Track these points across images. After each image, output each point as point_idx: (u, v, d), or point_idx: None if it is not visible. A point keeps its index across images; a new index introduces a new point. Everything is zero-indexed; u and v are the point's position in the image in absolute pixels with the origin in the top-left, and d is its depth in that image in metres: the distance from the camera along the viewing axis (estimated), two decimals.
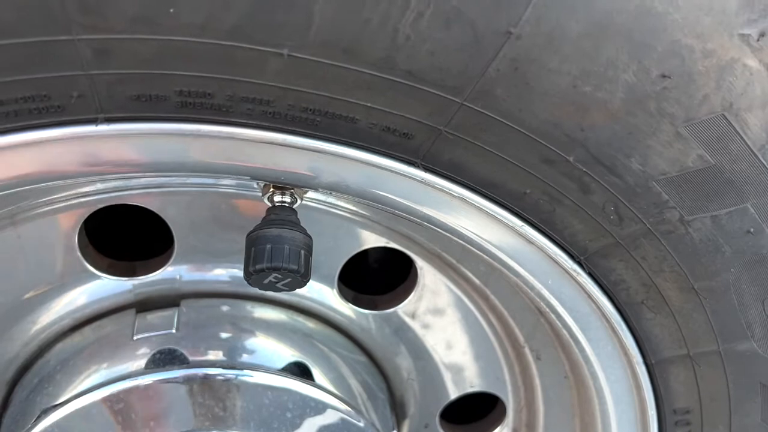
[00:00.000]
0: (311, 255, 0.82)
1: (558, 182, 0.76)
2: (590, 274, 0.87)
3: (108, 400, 0.97)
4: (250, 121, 0.68)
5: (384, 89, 0.66)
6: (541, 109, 0.69)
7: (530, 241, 0.84)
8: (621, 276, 0.87)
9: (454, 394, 1.22)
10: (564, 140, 0.71)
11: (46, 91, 0.62)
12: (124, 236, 1.07)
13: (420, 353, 1.18)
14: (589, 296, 0.91)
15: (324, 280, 1.07)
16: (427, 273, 1.07)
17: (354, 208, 0.97)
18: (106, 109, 0.64)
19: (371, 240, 1.03)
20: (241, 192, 0.93)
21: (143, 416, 0.98)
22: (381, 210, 0.86)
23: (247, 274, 0.80)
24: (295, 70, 0.63)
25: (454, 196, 0.79)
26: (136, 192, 0.91)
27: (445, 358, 1.18)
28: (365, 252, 1.07)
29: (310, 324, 1.14)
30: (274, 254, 0.78)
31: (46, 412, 0.98)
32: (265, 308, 1.10)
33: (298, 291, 1.09)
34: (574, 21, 0.63)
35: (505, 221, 0.81)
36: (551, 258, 0.86)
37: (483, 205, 0.79)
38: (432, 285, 1.08)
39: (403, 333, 1.15)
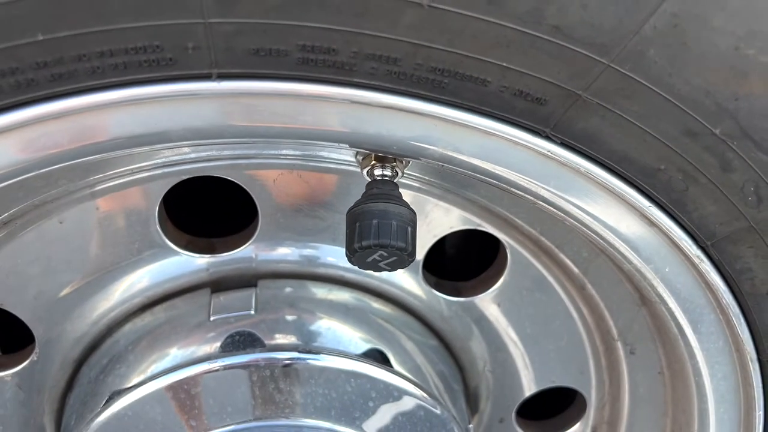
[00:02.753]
0: (416, 232, 0.77)
1: (697, 157, 0.69)
2: (713, 262, 0.81)
3: (184, 383, 0.92)
4: (372, 82, 0.62)
5: (525, 47, 0.59)
6: (694, 73, 0.62)
7: (654, 224, 0.77)
8: (748, 264, 0.80)
9: (533, 388, 1.15)
10: (713, 110, 0.65)
11: (159, 41, 0.57)
12: (200, 211, 1.02)
13: (500, 344, 1.12)
14: (709, 286, 0.84)
15: None
16: (518, 258, 1.00)
17: (448, 185, 0.91)
18: (221, 63, 0.59)
19: (462, 222, 0.97)
20: (332, 167, 0.88)
21: (220, 401, 0.93)
22: (487, 185, 0.80)
23: (351, 251, 0.74)
24: (431, 24, 0.57)
25: (579, 172, 0.72)
26: (223, 163, 0.86)
27: (527, 350, 1.12)
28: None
29: (388, 309, 1.08)
30: (381, 230, 0.73)
31: (118, 393, 0.94)
32: (344, 291, 1.04)
33: (382, 274, 1.06)
34: None
35: (632, 201, 0.74)
36: (674, 243, 0.79)
37: (610, 183, 0.73)
38: (522, 272, 1.02)
39: (484, 322, 1.09)
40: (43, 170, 0.66)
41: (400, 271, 1.06)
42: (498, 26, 0.58)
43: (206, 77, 0.59)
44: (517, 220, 0.93)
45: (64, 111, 0.61)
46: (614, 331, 1.05)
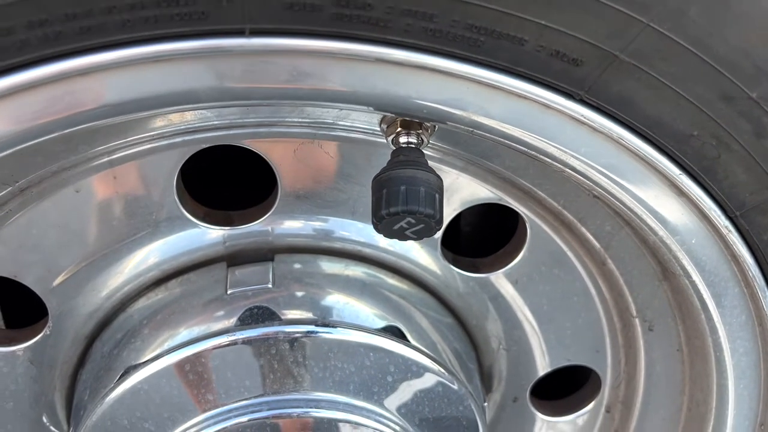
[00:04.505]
0: (443, 199, 0.76)
1: (732, 123, 0.68)
2: (741, 233, 0.80)
3: (200, 357, 0.90)
4: (407, 40, 0.61)
5: (564, 4, 0.58)
6: (734, 34, 0.61)
7: (683, 193, 0.76)
8: None
9: (547, 367, 1.14)
10: (751, 73, 0.64)
11: None
12: (217, 183, 1.01)
13: (516, 322, 1.11)
14: (735, 258, 0.83)
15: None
16: (538, 234, 0.99)
17: (470, 156, 0.90)
18: (254, 18, 0.57)
19: (481, 195, 0.96)
20: (354, 136, 0.87)
21: (237, 375, 0.92)
22: (513, 155, 0.79)
23: (378, 219, 0.73)
24: None
25: (610, 138, 0.71)
26: (244, 131, 0.84)
27: (543, 328, 1.11)
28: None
29: (405, 286, 1.07)
30: (409, 196, 0.71)
31: (134, 368, 0.93)
32: (361, 267, 1.03)
33: (399, 249, 1.05)
34: None
35: (662, 168, 0.73)
36: (702, 213, 0.78)
37: (641, 150, 0.72)
38: (541, 248, 1.01)
39: (501, 299, 1.08)
40: (67, 131, 0.65)
41: (417, 246, 1.06)
42: None
43: (239, 33, 0.58)
44: (540, 192, 0.92)
45: (91, 66, 0.59)
46: (633, 308, 1.05)
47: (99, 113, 0.64)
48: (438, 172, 0.90)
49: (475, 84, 0.67)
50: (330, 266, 1.02)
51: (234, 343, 0.90)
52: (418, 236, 0.76)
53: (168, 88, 0.62)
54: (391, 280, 1.06)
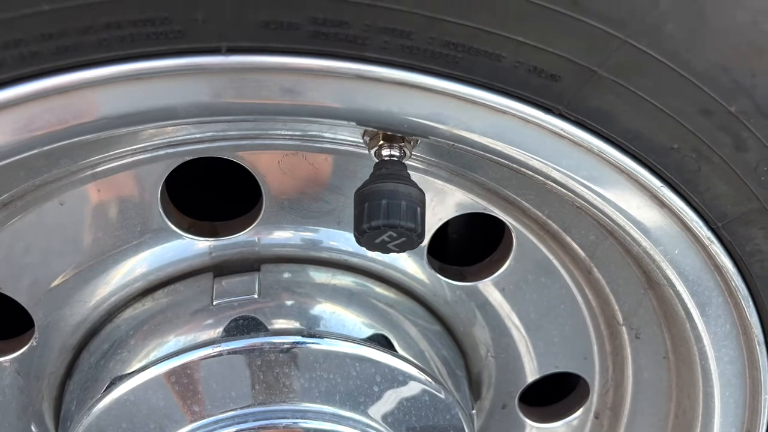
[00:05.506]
0: (425, 213, 0.76)
1: (711, 137, 0.68)
2: (723, 244, 0.80)
3: (187, 368, 0.91)
4: (384, 57, 0.61)
5: (541, 21, 0.58)
6: (712, 49, 0.61)
7: (665, 205, 0.77)
8: (759, 246, 0.79)
9: (535, 374, 1.15)
10: (730, 87, 0.64)
11: (167, 12, 0.55)
12: (202, 195, 1.01)
13: (503, 330, 1.11)
14: (718, 268, 0.83)
15: None
16: (524, 243, 0.99)
17: (454, 167, 0.90)
18: (230, 37, 0.57)
19: (468, 205, 0.96)
20: (338, 148, 0.87)
21: (223, 386, 0.92)
22: (495, 167, 0.79)
23: (360, 232, 0.73)
24: None
25: (591, 152, 0.71)
26: (228, 144, 0.84)
27: (531, 336, 1.11)
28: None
29: (392, 294, 1.07)
30: (390, 210, 0.72)
31: (120, 379, 0.93)
32: (347, 276, 1.03)
33: (385, 258, 1.05)
34: None
35: (643, 181, 0.74)
36: (684, 225, 0.78)
37: (621, 163, 0.72)
38: (528, 256, 1.01)
39: (488, 307, 1.08)
40: (47, 148, 0.65)
41: (404, 255, 1.06)
42: None
43: (215, 51, 0.58)
44: (524, 202, 0.92)
45: (68, 85, 0.59)
46: (619, 316, 1.05)
47: (78, 130, 0.64)
48: (423, 182, 0.91)
49: (454, 99, 0.67)
50: (316, 276, 1.02)
51: (220, 354, 0.90)
52: (400, 249, 0.76)
53: (146, 105, 0.62)
54: (378, 289, 1.06)
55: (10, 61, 0.56)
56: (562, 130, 0.68)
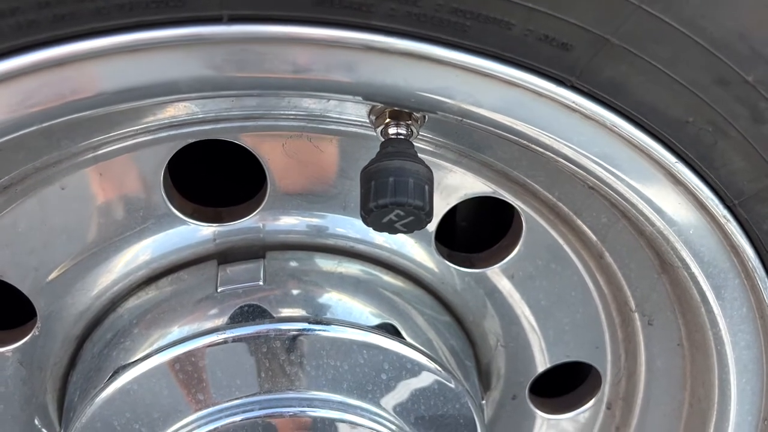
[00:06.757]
0: (433, 191, 0.74)
1: (728, 108, 0.66)
2: (740, 222, 0.78)
3: (191, 356, 0.89)
4: (391, 25, 0.59)
5: None
6: (728, 15, 0.59)
7: (679, 182, 0.75)
8: None
9: (546, 364, 1.12)
10: (747, 55, 0.62)
11: None
12: (205, 179, 0.99)
13: (513, 318, 1.09)
14: (734, 249, 0.81)
15: (419, 233, 0.99)
16: (533, 227, 0.97)
17: (462, 147, 0.88)
18: (232, 4, 0.56)
19: (475, 187, 0.94)
20: (343, 129, 0.85)
21: (228, 374, 0.90)
22: (505, 147, 0.77)
23: (366, 211, 0.71)
24: None
25: (603, 126, 0.69)
26: (231, 125, 0.83)
27: (541, 324, 1.09)
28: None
29: (400, 282, 1.05)
30: (398, 188, 0.70)
31: (123, 368, 0.91)
32: (354, 263, 1.01)
33: (392, 245, 1.03)
34: None
35: (657, 157, 0.72)
36: (699, 202, 0.76)
37: (634, 137, 0.70)
38: (538, 242, 0.99)
39: (497, 295, 1.06)
40: (45, 125, 0.63)
41: (411, 242, 1.04)
42: None
43: (216, 20, 0.56)
44: (534, 185, 0.90)
45: (65, 57, 0.57)
46: (632, 302, 1.03)
47: (77, 106, 0.62)
48: (430, 166, 0.89)
49: (463, 71, 0.65)
50: (323, 263, 1.00)
51: (225, 341, 0.89)
52: (408, 229, 0.75)
53: (146, 79, 0.61)
54: (386, 277, 1.04)
55: (7, 30, 0.55)
56: (573, 102, 0.67)
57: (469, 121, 0.71)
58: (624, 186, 0.77)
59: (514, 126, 0.71)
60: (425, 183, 0.72)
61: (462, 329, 1.12)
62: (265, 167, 0.88)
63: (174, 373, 0.89)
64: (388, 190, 0.70)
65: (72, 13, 0.54)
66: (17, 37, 0.55)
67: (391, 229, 0.74)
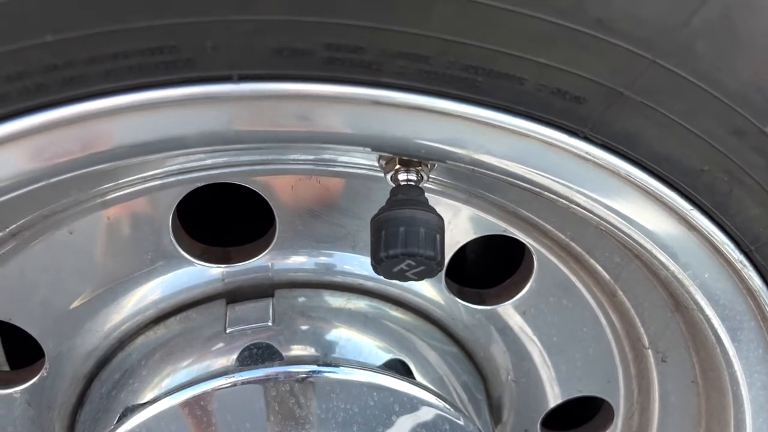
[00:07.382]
0: (444, 240, 0.73)
1: (744, 158, 0.65)
2: (756, 267, 0.77)
3: (200, 399, 0.88)
4: (402, 82, 0.58)
5: (565, 42, 0.56)
6: (744, 68, 0.58)
7: (694, 228, 0.74)
8: None
9: (558, 399, 1.11)
10: (763, 107, 0.61)
11: (175, 41, 0.54)
12: (214, 220, 0.99)
13: (524, 353, 1.08)
14: (750, 292, 0.80)
15: None
16: (545, 265, 0.96)
17: (473, 188, 0.87)
18: (241, 65, 0.55)
19: (487, 227, 0.93)
20: (353, 171, 0.84)
21: (238, 417, 0.89)
22: (516, 188, 0.76)
23: (377, 261, 0.70)
24: (465, 18, 0.54)
25: (617, 174, 0.69)
26: (240, 170, 0.82)
27: (553, 360, 1.08)
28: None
29: (410, 318, 1.04)
30: (408, 238, 0.69)
31: (132, 410, 0.91)
32: (363, 300, 1.00)
33: (402, 282, 1.02)
34: None
35: (672, 204, 0.71)
36: (715, 248, 0.75)
37: (649, 186, 0.69)
38: (549, 278, 0.98)
39: (508, 331, 1.05)
40: (54, 179, 0.63)
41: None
42: (537, 20, 0.54)
43: (226, 79, 0.56)
44: (546, 225, 0.89)
45: (75, 117, 0.57)
46: (645, 339, 1.01)
47: (86, 161, 0.62)
48: (440, 204, 0.89)
49: (474, 123, 0.64)
50: (332, 300, 0.99)
51: (234, 384, 0.88)
52: (419, 277, 0.74)
53: (156, 135, 0.60)
54: (395, 313, 1.03)
55: (15, 94, 0.54)
56: (586, 153, 0.66)
57: (480, 169, 0.70)
58: (638, 231, 0.76)
59: (526, 174, 0.70)
60: (436, 232, 0.71)
61: (473, 364, 1.11)
62: (274, 208, 0.88)
63: (183, 416, 0.88)
64: (399, 241, 0.69)
65: (81, 75, 0.53)
66: (25, 99, 0.55)
67: (402, 277, 0.73)
